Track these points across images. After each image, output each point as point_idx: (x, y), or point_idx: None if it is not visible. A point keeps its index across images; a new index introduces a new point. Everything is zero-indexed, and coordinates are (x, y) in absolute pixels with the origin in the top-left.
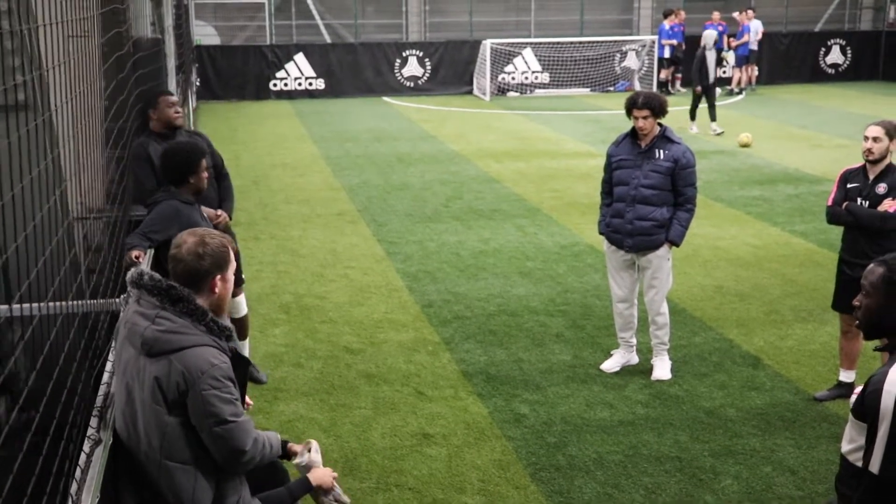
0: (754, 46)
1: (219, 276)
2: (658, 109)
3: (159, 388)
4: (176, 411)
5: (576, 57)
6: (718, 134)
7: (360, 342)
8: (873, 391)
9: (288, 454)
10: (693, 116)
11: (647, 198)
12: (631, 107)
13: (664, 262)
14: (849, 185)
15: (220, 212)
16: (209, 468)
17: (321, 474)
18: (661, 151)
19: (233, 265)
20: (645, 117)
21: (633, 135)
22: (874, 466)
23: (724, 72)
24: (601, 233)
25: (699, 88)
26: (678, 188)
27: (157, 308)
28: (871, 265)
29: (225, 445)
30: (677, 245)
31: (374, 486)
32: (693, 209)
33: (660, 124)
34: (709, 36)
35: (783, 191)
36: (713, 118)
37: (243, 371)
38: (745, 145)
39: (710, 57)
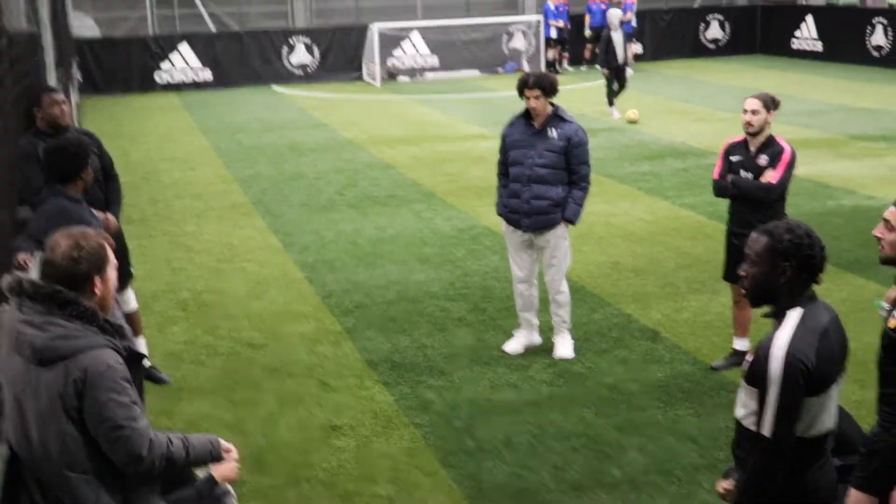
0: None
1: (97, 277)
2: (549, 89)
3: (58, 396)
4: (75, 419)
5: (464, 39)
6: (630, 121)
7: (262, 336)
8: (761, 357)
9: None
10: (611, 102)
11: (543, 177)
12: (522, 87)
13: (562, 241)
14: (732, 158)
15: (108, 215)
16: (113, 477)
17: (224, 469)
18: (555, 130)
19: (112, 263)
20: (536, 97)
21: (527, 115)
22: (766, 430)
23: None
24: (499, 214)
25: (606, 71)
26: (572, 166)
27: (43, 315)
28: (754, 234)
29: (121, 451)
30: (573, 223)
31: (284, 481)
32: (587, 187)
33: (552, 104)
34: (614, 15)
35: (671, 165)
36: (611, 103)
37: (138, 367)
38: (633, 121)
39: (617, 38)
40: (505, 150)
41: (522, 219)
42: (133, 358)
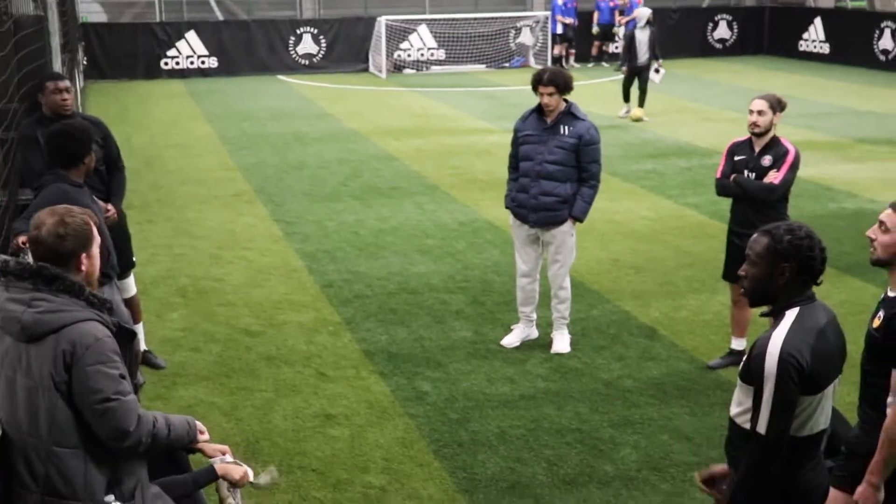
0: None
1: (83, 255)
2: (563, 86)
3: (47, 371)
4: (63, 392)
5: (471, 33)
6: (635, 119)
7: (260, 324)
8: (758, 354)
9: (193, 447)
10: (626, 98)
11: (552, 173)
12: (536, 83)
13: (567, 238)
14: (736, 158)
15: (109, 206)
16: (101, 451)
17: (230, 467)
18: (566, 128)
19: (97, 241)
20: (550, 94)
21: (540, 110)
22: (761, 427)
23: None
24: (507, 207)
25: (626, 68)
26: (582, 164)
27: (30, 291)
28: (756, 235)
29: (107, 424)
30: (581, 221)
31: (277, 468)
32: (597, 185)
33: (566, 100)
34: (642, 14)
35: (675, 164)
36: (641, 104)
37: (130, 345)
38: (638, 119)
39: (641, 37)
40: (516, 143)
41: (529, 214)
42: (123, 334)
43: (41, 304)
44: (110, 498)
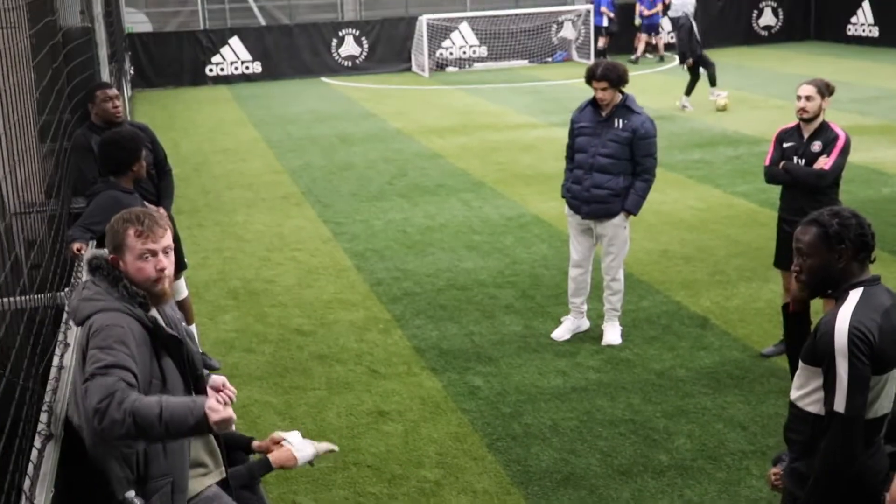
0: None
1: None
2: (616, 80)
3: (81, 356)
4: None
5: (512, 29)
6: (720, 106)
7: (311, 324)
8: (825, 333)
9: (252, 449)
10: (689, 92)
11: (605, 166)
12: (590, 78)
13: (620, 231)
14: (785, 145)
15: (160, 209)
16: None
17: (281, 455)
18: (621, 121)
19: (132, 250)
20: (604, 89)
21: (595, 102)
22: (839, 405)
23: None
24: (563, 196)
25: (691, 61)
26: (637, 158)
27: (84, 280)
28: (801, 227)
29: (86, 405)
30: (634, 214)
31: (333, 465)
32: (651, 179)
33: (622, 93)
34: (690, 3)
35: (723, 153)
36: (713, 83)
37: (175, 348)
38: (722, 108)
39: (695, 26)
40: (572, 135)
41: (582, 206)
42: (163, 336)
43: (86, 291)
44: (131, 494)
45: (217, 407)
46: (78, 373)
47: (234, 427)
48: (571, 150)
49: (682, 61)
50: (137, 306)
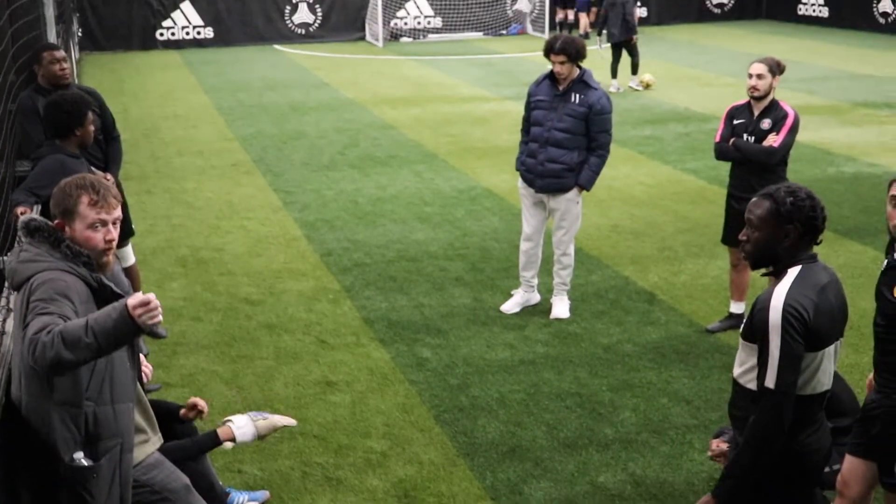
0: None
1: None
2: (574, 55)
3: (20, 316)
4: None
5: (468, 1)
6: (647, 83)
7: (260, 293)
8: (761, 309)
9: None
10: (635, 70)
11: (560, 141)
12: (548, 52)
13: (573, 206)
14: (735, 122)
15: (108, 176)
16: (73, 407)
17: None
18: (577, 96)
19: (84, 218)
20: (562, 62)
21: (553, 76)
22: (770, 381)
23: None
24: (517, 170)
25: (635, 38)
26: (592, 134)
27: (21, 244)
28: (756, 199)
29: (21, 351)
30: (587, 189)
31: (279, 435)
32: (605, 155)
33: (580, 68)
34: None
35: (674, 129)
36: (635, 71)
37: (109, 300)
38: (648, 86)
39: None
40: (528, 108)
41: (536, 179)
42: (104, 293)
43: (24, 253)
44: (79, 455)
45: (137, 295)
46: (18, 341)
47: (160, 320)
48: (527, 124)
49: (609, 40)
50: (82, 265)
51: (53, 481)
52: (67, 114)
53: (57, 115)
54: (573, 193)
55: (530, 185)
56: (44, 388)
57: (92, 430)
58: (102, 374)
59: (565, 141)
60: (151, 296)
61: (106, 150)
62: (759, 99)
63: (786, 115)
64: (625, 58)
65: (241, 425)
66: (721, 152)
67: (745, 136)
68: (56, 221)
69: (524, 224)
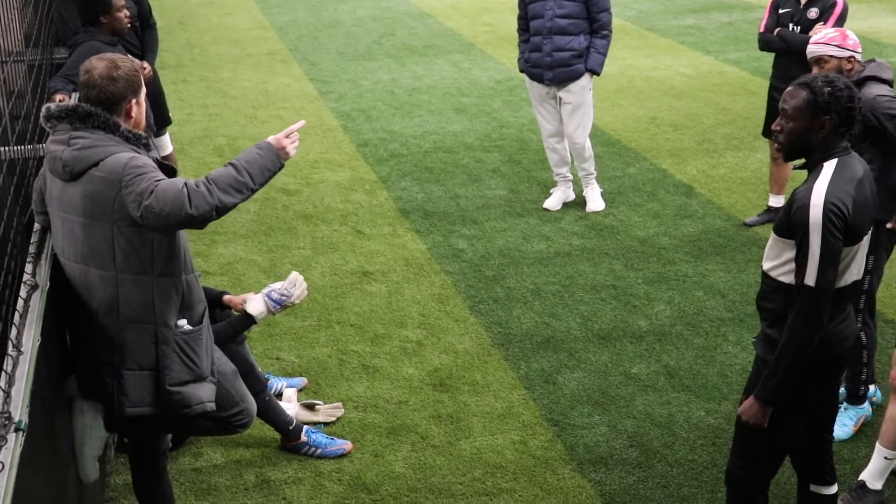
0: None
1: (133, 100)
2: None
3: (93, 204)
4: (119, 221)
5: None
6: None
7: (297, 183)
8: (800, 207)
9: (224, 304)
10: None
11: (564, 28)
12: None
13: (586, 93)
14: (780, 11)
15: (145, 64)
16: (170, 276)
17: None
18: None
19: (143, 89)
20: None
21: None
22: (810, 279)
23: None
24: (521, 70)
25: None
26: (592, 14)
27: (69, 131)
28: (791, 88)
29: (163, 211)
30: (597, 73)
31: (316, 323)
32: (609, 35)
33: None
34: None
35: (717, 19)
36: None
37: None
38: None
39: None
40: (524, 3)
41: (545, 72)
42: (165, 171)
43: (79, 141)
44: (182, 321)
45: (279, 135)
46: (90, 222)
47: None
48: (524, 21)
49: None
50: (142, 147)
51: (158, 354)
52: (94, 1)
53: (85, 1)
54: (585, 79)
55: (539, 81)
56: (143, 264)
57: (187, 298)
58: (184, 245)
59: (569, 27)
60: (293, 126)
61: (142, 37)
62: None
63: (834, 4)
64: None
65: (254, 299)
66: (765, 43)
67: (790, 25)
68: (129, 104)
69: (542, 122)
